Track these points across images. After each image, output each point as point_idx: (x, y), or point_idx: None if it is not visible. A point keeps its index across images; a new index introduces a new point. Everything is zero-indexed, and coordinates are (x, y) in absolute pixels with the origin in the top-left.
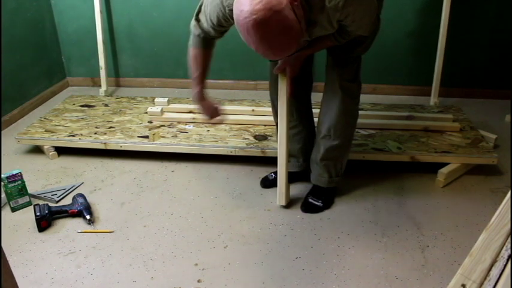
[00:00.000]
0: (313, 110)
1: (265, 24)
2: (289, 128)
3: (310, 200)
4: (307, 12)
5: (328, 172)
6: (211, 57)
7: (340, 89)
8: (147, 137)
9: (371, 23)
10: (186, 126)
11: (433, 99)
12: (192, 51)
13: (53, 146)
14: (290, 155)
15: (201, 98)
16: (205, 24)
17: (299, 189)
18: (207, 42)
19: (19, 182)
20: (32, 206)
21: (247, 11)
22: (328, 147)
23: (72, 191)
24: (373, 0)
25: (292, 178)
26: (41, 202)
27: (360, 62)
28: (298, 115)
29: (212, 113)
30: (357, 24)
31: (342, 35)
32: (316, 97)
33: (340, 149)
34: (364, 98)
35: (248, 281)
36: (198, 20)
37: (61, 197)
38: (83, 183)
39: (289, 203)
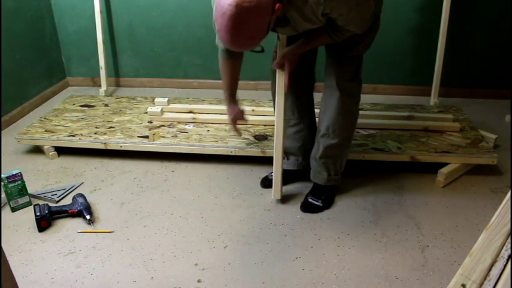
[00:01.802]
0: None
1: (243, 22)
2: (290, 126)
3: (310, 200)
4: (283, 9)
5: (327, 170)
6: (240, 66)
7: (338, 88)
8: (147, 137)
9: (362, 19)
10: (186, 126)
11: (433, 99)
12: (220, 63)
13: (53, 146)
14: (290, 153)
15: (230, 103)
16: (219, 44)
17: (299, 189)
18: (230, 53)
19: (19, 182)
20: (32, 206)
21: (234, 0)
22: (327, 146)
23: (72, 191)
24: None
25: (291, 177)
26: (41, 202)
27: (361, 61)
28: (299, 114)
29: (235, 117)
30: (345, 19)
31: (334, 32)
32: (316, 97)
33: (339, 148)
34: (364, 98)
35: (248, 281)
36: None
37: (61, 197)
38: (83, 183)
39: (289, 203)
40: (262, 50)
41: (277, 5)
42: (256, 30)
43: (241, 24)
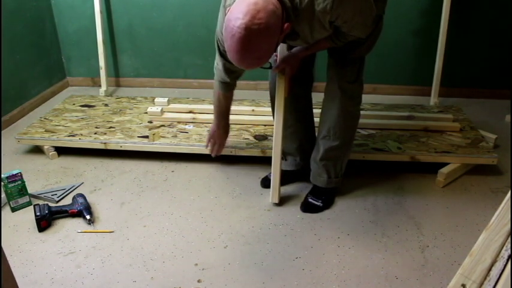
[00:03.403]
0: (314, 110)
1: (252, 43)
2: (288, 126)
3: (310, 200)
4: (292, 25)
5: (327, 172)
6: (231, 99)
7: (339, 90)
8: (147, 137)
9: (366, 24)
10: (186, 126)
11: (433, 99)
12: (216, 93)
13: (53, 146)
14: (287, 154)
15: (215, 129)
16: (219, 62)
17: (299, 189)
18: (226, 87)
19: (19, 182)
20: (32, 206)
21: (243, 23)
22: (328, 148)
23: (72, 191)
24: (366, 2)
25: (289, 177)
26: (41, 202)
27: (363, 63)
28: (295, 114)
29: (213, 146)
30: (349, 25)
31: (338, 37)
32: (317, 97)
33: (339, 150)
34: (364, 98)
35: (248, 281)
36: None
37: (61, 197)
38: (83, 183)
39: (290, 203)
40: (271, 67)
41: (285, 25)
42: (265, 50)
43: (250, 46)
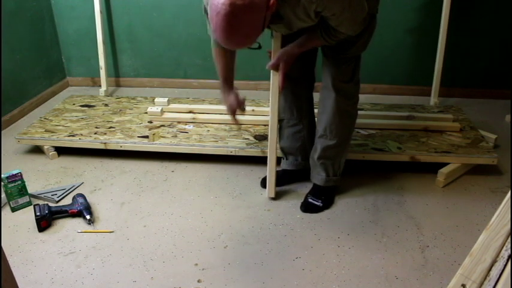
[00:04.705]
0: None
1: (238, 20)
2: (289, 126)
3: (310, 200)
4: (277, 6)
5: (326, 171)
6: (234, 54)
7: (334, 89)
8: (147, 137)
9: (355, 21)
10: (186, 126)
11: (433, 99)
12: (213, 51)
13: (53, 146)
14: (289, 153)
15: (224, 90)
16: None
17: (299, 188)
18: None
19: (19, 182)
20: (32, 206)
21: None
22: (325, 147)
23: (72, 191)
24: None
25: (291, 177)
26: (41, 202)
27: (358, 62)
28: (298, 114)
29: (231, 105)
30: (337, 19)
31: (328, 34)
32: (316, 97)
33: (337, 149)
34: (364, 98)
35: (248, 281)
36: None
37: (61, 197)
38: (83, 183)
39: (289, 203)
40: (260, 47)
41: (271, 1)
42: (251, 27)
43: (236, 23)
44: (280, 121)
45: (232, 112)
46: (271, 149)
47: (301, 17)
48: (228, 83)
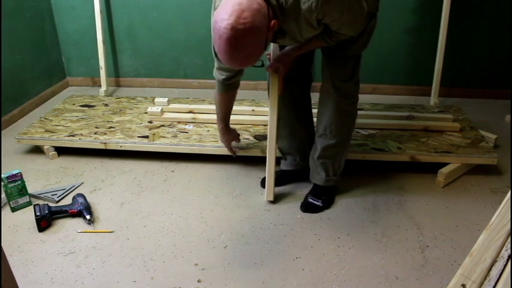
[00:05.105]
0: (313, 110)
1: (240, 43)
2: (286, 126)
3: (310, 200)
4: (279, 23)
5: (326, 170)
6: (234, 98)
7: (333, 89)
8: (147, 137)
9: (355, 22)
10: (186, 126)
11: (433, 99)
12: (216, 96)
13: (53, 146)
14: (287, 154)
15: (224, 132)
16: (216, 62)
17: (299, 188)
18: (228, 87)
19: (19, 182)
20: (32, 206)
21: (229, 23)
22: (325, 146)
23: (72, 191)
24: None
25: (290, 177)
26: (41, 202)
27: (358, 61)
28: (294, 114)
29: (228, 141)
30: (338, 23)
31: (329, 36)
32: (316, 97)
33: (337, 148)
34: (364, 98)
35: (248, 281)
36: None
37: (61, 197)
38: (83, 183)
39: (289, 203)
40: (263, 65)
41: (272, 22)
42: (253, 49)
43: (238, 45)
44: (277, 121)
45: (229, 146)
46: (270, 152)
47: (305, 28)
48: (226, 123)
